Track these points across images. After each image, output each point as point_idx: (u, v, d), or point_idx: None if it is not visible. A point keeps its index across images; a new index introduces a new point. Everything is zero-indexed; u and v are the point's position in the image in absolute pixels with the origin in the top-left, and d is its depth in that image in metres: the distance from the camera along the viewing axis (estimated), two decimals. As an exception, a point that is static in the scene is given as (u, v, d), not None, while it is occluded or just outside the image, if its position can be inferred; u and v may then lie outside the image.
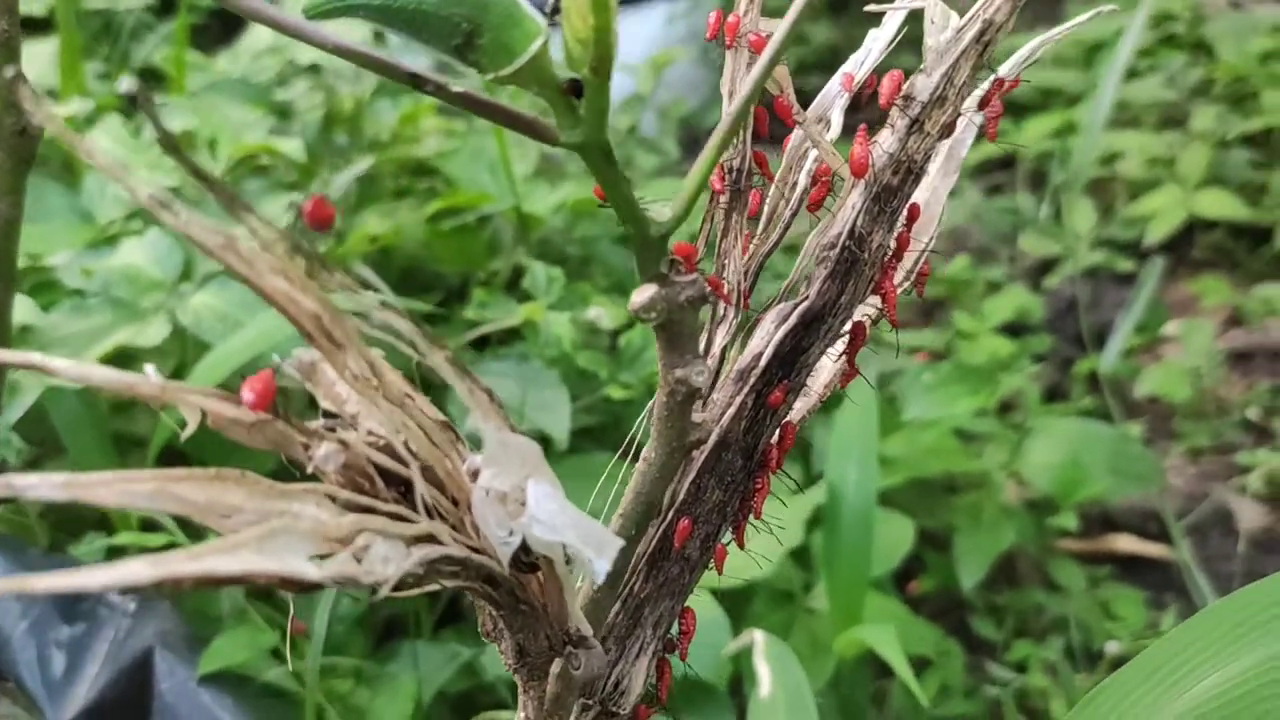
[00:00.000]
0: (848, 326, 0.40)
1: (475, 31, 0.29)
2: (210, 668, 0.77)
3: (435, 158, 1.38)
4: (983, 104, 0.38)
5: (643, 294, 0.33)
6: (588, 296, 1.13)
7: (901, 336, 1.78)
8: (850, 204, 0.36)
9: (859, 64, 0.42)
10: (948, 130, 0.36)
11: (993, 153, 2.19)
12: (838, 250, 0.36)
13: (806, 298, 0.37)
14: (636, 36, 2.34)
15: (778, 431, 0.40)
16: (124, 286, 1.01)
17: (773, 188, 0.41)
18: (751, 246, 0.41)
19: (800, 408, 0.45)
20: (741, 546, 0.42)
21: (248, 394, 0.28)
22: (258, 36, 1.51)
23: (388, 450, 0.31)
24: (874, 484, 0.94)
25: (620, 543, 0.29)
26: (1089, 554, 1.40)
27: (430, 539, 0.29)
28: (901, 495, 1.36)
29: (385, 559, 0.28)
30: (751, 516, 0.43)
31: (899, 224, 0.37)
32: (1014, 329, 1.81)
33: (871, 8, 0.39)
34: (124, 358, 1.07)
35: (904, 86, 0.35)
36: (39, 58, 1.51)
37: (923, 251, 0.44)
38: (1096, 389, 1.68)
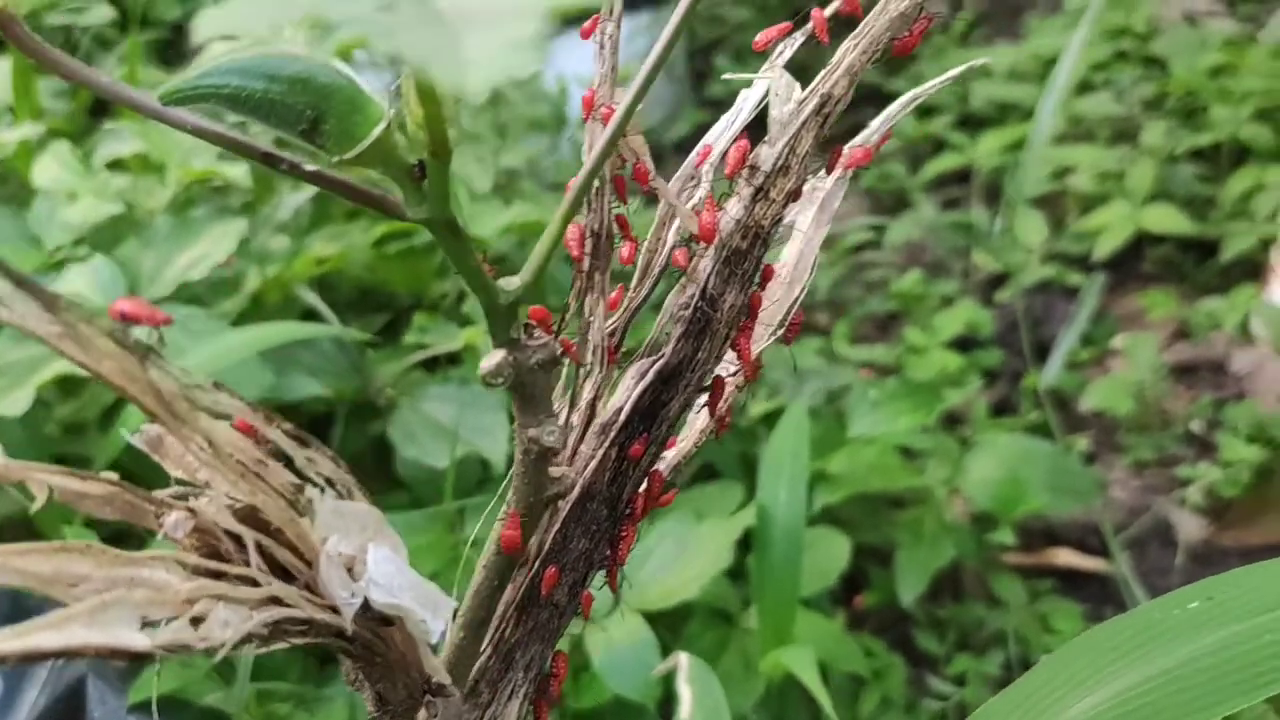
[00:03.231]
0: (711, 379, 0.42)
1: (320, 118, 0.31)
2: (139, 697, 0.78)
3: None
4: (828, 170, 0.39)
5: (490, 360, 0.34)
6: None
7: (855, 351, 1.80)
8: (702, 267, 0.38)
9: (729, 123, 0.43)
10: (794, 196, 0.37)
11: (949, 166, 2.21)
12: (690, 311, 0.38)
13: (663, 355, 0.39)
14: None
15: (645, 481, 0.42)
16: (66, 313, 1.02)
17: (645, 243, 0.43)
18: (626, 299, 0.43)
19: (674, 454, 0.47)
20: (615, 592, 0.43)
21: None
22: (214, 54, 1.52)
23: (243, 516, 0.32)
24: (803, 505, 0.96)
25: (453, 605, 0.31)
26: (1031, 568, 1.42)
27: (276, 601, 0.31)
28: (847, 510, 1.38)
29: (225, 623, 0.29)
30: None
31: (753, 285, 0.39)
32: (965, 343, 1.83)
33: (727, 76, 0.41)
34: (71, 384, 1.09)
35: (749, 157, 0.37)
36: (-5, 77, 1.52)
37: (794, 301, 0.46)
38: (1047, 400, 1.70)
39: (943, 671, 1.31)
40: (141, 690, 0.79)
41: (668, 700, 0.98)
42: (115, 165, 1.33)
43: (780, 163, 0.37)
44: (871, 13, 0.37)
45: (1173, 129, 2.06)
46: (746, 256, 0.38)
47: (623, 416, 0.39)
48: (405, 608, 0.31)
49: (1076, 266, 1.95)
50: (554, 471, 0.38)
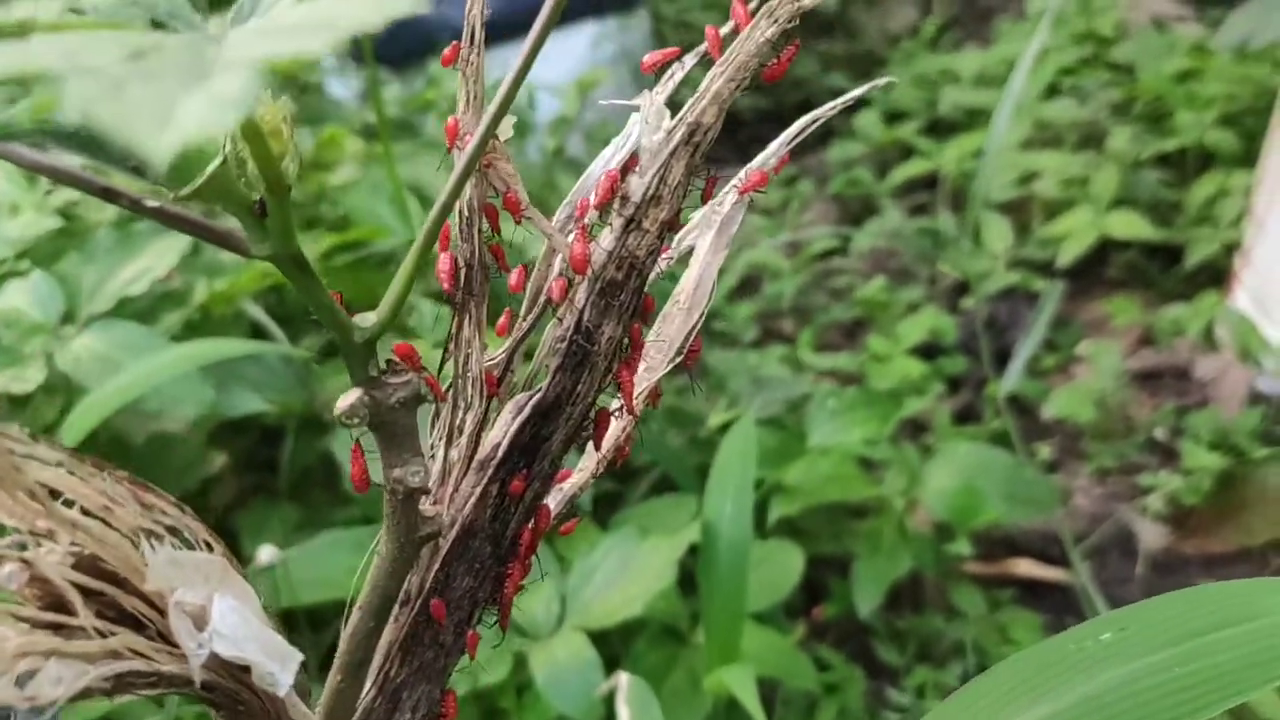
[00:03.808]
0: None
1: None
2: (68, 721, 0.77)
3: (336, 189, 1.38)
4: (704, 199, 0.39)
5: (346, 399, 0.33)
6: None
7: (819, 360, 1.79)
8: (577, 300, 0.37)
9: (617, 149, 0.42)
10: (670, 227, 0.37)
11: (916, 172, 2.21)
12: (566, 344, 0.37)
13: (540, 390, 0.38)
14: (563, 57, 2.35)
15: (530, 516, 0.41)
16: (4, 330, 1.01)
17: (535, 270, 0.42)
18: (515, 327, 0.42)
19: (570, 485, 0.46)
20: (505, 630, 0.42)
21: None
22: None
23: (87, 565, 0.31)
24: (749, 518, 0.95)
25: (300, 657, 0.30)
26: (991, 578, 1.41)
27: (117, 654, 0.30)
28: (806, 521, 1.37)
29: (57, 680, 0.28)
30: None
31: (632, 316, 0.38)
32: (930, 351, 1.83)
33: (604, 102, 0.40)
34: (10, 402, 1.07)
35: (619, 187, 0.36)
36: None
37: (693, 327, 0.45)
38: (1011, 408, 1.70)
39: (902, 683, 1.30)
40: (75, 717, 0.78)
41: (612, 718, 0.98)
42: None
43: (651, 193, 0.36)
44: (737, 40, 0.36)
45: (1139, 134, 2.06)
46: (622, 288, 0.37)
47: (500, 452, 0.38)
48: (251, 659, 0.30)
49: (1042, 273, 1.95)
50: (426, 511, 0.37)
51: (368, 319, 0.33)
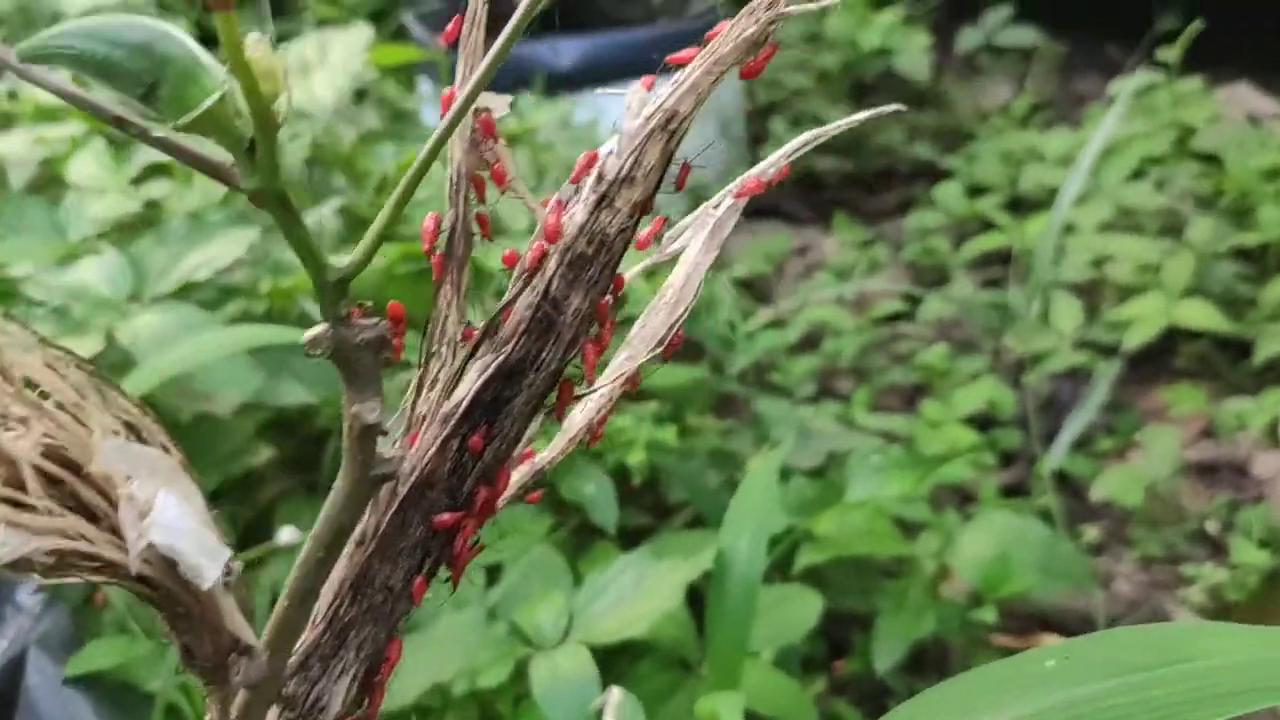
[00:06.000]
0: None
1: (156, 84, 0.33)
2: (78, 670, 0.80)
3: (414, 207, 1.43)
4: (678, 186, 0.41)
5: (313, 331, 0.36)
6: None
7: (872, 419, 1.79)
8: (547, 269, 0.39)
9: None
10: (641, 208, 0.39)
11: (991, 246, 2.20)
12: (533, 310, 0.39)
13: (505, 351, 0.40)
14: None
15: (491, 479, 0.43)
16: (72, 301, 1.06)
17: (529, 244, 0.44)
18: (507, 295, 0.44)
19: (543, 457, 0.48)
20: (455, 585, 0.44)
21: None
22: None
23: (54, 454, 0.34)
24: (763, 555, 0.96)
25: (228, 553, 0.32)
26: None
27: (63, 534, 0.32)
28: (835, 574, 1.37)
29: (2, 543, 0.31)
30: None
31: (600, 292, 0.40)
32: (985, 423, 1.82)
33: (600, 92, 0.42)
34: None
35: (596, 166, 0.38)
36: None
37: (676, 321, 0.47)
38: (1062, 488, 1.68)
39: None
40: (80, 664, 0.81)
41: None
42: (159, 170, 1.38)
43: (624, 173, 0.38)
44: (719, 35, 0.38)
45: (1220, 226, 2.04)
46: (592, 262, 0.39)
47: (462, 408, 0.40)
48: (180, 550, 0.32)
49: (1109, 356, 1.93)
50: (385, 452, 0.39)
51: (343, 260, 0.36)
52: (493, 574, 1.07)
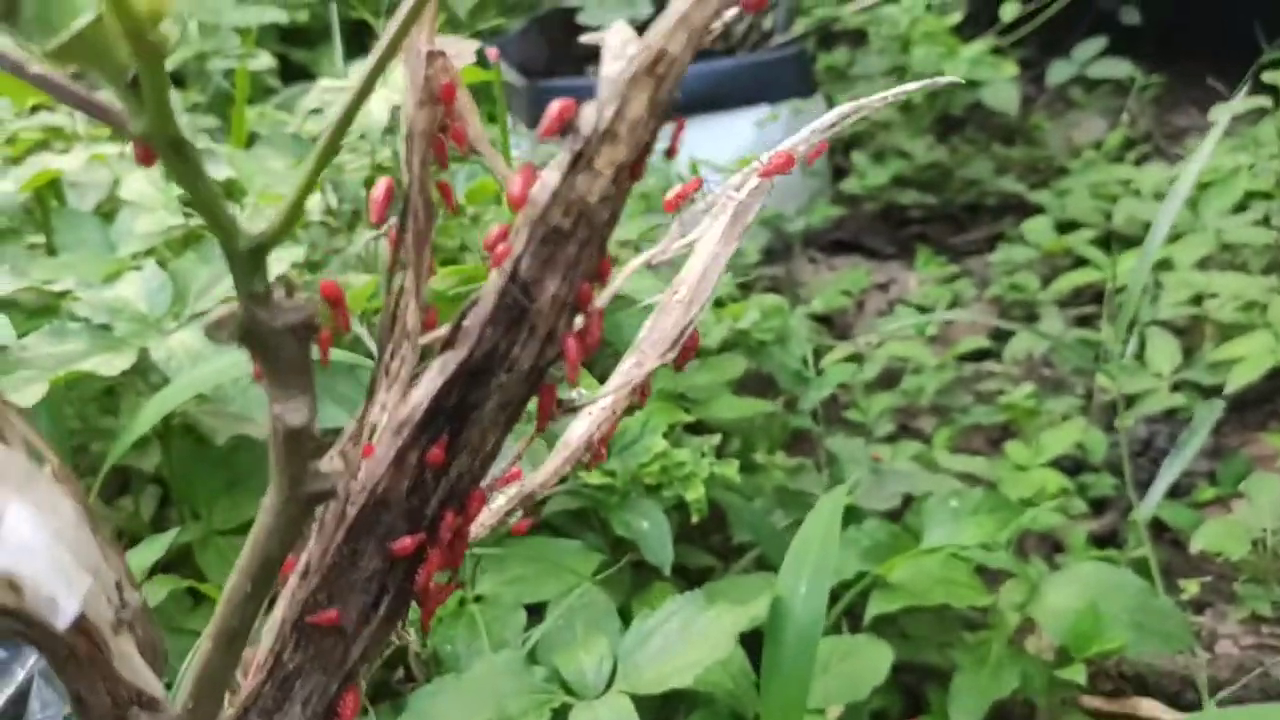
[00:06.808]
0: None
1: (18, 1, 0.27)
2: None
3: (470, 225, 1.39)
4: (669, 154, 0.34)
5: (218, 311, 0.29)
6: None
7: (953, 461, 1.69)
8: (515, 247, 0.32)
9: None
10: (629, 172, 0.32)
11: (1082, 282, 2.09)
12: (498, 294, 0.32)
13: (467, 347, 0.33)
14: (730, 137, 2.33)
15: (460, 500, 0.36)
16: (110, 317, 1.02)
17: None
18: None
19: (539, 477, 0.41)
20: (426, 630, 0.37)
21: None
22: (313, 96, 1.55)
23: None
24: (823, 601, 0.88)
25: (88, 583, 0.26)
26: (1110, 715, 1.28)
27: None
28: (910, 624, 1.28)
29: None
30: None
31: (581, 275, 0.33)
32: (1075, 467, 1.71)
33: (585, 39, 0.36)
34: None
35: (569, 117, 0.31)
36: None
37: (691, 321, 0.40)
38: (1159, 539, 1.56)
39: (994, 816, 1.18)
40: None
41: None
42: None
43: (605, 127, 0.31)
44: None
45: (1333, 264, 1.91)
46: (569, 238, 0.32)
47: (420, 414, 0.33)
48: (28, 576, 0.26)
49: (1210, 398, 1.80)
50: (322, 466, 0.33)
51: (258, 226, 0.30)
52: (534, 613, 1.00)
